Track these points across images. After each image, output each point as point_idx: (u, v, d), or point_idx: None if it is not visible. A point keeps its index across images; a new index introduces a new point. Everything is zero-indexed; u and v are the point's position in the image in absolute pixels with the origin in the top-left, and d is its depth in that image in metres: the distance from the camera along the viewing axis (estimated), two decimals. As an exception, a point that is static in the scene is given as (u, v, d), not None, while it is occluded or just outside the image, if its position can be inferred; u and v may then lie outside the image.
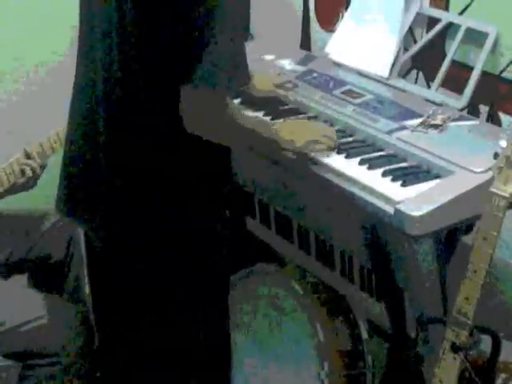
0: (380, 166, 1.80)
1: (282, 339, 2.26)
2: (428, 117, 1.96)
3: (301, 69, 2.33)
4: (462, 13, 2.11)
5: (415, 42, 2.21)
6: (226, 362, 1.89)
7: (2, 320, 1.94)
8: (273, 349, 2.28)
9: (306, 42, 2.64)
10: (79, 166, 1.76)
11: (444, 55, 2.10)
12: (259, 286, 2.35)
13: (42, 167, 2.13)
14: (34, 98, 2.65)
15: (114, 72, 1.61)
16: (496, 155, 1.59)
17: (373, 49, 2.24)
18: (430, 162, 1.80)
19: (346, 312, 2.25)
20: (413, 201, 1.65)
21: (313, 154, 1.84)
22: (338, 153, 1.88)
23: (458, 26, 2.07)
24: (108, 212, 1.71)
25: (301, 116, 2.09)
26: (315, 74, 2.28)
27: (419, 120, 1.96)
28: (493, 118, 2.06)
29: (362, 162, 1.83)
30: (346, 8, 2.39)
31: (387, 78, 2.19)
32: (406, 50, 2.21)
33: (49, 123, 2.15)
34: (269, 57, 2.43)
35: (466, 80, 2.01)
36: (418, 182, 1.74)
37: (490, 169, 1.64)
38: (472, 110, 2.07)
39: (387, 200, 1.69)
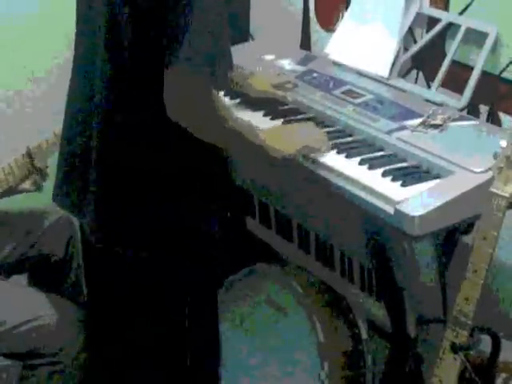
0: (380, 166, 1.80)
1: (282, 339, 2.26)
2: (428, 117, 1.96)
3: (301, 69, 2.33)
4: (462, 13, 2.11)
5: (415, 42, 2.21)
6: (214, 360, 1.90)
7: (2, 320, 1.94)
8: (273, 349, 2.28)
9: (305, 42, 2.64)
10: (74, 161, 1.77)
11: (444, 55, 2.10)
12: (259, 285, 2.35)
13: (43, 168, 2.14)
14: (34, 98, 2.65)
15: (105, 69, 1.62)
16: (496, 155, 1.59)
17: (373, 49, 2.24)
18: (430, 162, 1.80)
19: (346, 312, 2.25)
20: (413, 201, 1.65)
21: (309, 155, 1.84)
22: (338, 153, 1.88)
23: (457, 26, 2.07)
24: (100, 210, 1.72)
25: (300, 116, 2.09)
26: (315, 74, 2.28)
27: (419, 120, 1.96)
28: (493, 118, 2.06)
29: (362, 162, 1.83)
30: (346, 8, 2.39)
31: (387, 78, 2.19)
32: (406, 50, 2.21)
33: (49, 124, 2.15)
34: (269, 57, 2.43)
35: (466, 80, 2.01)
36: (418, 182, 1.73)
37: (490, 169, 1.64)
38: (472, 110, 2.08)
39: (387, 200, 1.69)
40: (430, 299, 1.88)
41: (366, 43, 2.27)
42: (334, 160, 1.85)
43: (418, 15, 2.18)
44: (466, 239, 1.83)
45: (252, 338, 2.33)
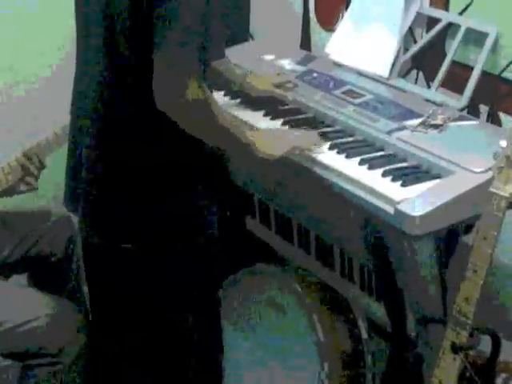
0: (380, 166, 1.80)
1: (282, 339, 2.26)
2: (428, 117, 1.96)
3: (301, 69, 2.33)
4: (462, 13, 2.11)
5: (415, 42, 2.21)
6: (217, 359, 1.90)
7: (2, 320, 1.94)
8: (273, 349, 2.28)
9: (305, 42, 2.64)
10: (76, 161, 1.77)
11: (444, 55, 2.10)
12: (259, 285, 2.35)
13: (41, 167, 2.14)
14: (32, 97, 2.65)
15: (105, 62, 1.63)
16: (496, 155, 1.59)
17: (373, 49, 2.24)
18: (430, 161, 1.80)
19: (346, 312, 2.25)
20: (413, 201, 1.65)
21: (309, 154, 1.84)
22: (338, 153, 1.88)
23: (457, 26, 2.07)
24: (97, 207, 1.73)
25: (300, 116, 2.09)
26: (315, 74, 2.28)
27: (419, 120, 1.96)
28: (493, 118, 2.06)
29: (361, 162, 1.83)
30: (346, 8, 2.39)
31: (387, 78, 2.19)
32: (406, 50, 2.21)
33: (47, 123, 2.15)
34: (269, 57, 2.43)
35: (466, 80, 2.01)
36: (418, 182, 1.73)
37: (490, 169, 1.64)
38: (472, 110, 2.07)
39: (387, 200, 1.69)
40: (430, 299, 1.88)
41: (365, 43, 2.27)
42: (333, 160, 1.85)
43: (418, 15, 2.18)
44: (466, 239, 1.83)
45: (252, 338, 2.33)
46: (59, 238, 2.26)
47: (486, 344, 1.73)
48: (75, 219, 2.05)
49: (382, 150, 1.90)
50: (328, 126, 2.02)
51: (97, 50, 1.65)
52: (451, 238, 1.82)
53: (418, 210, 1.61)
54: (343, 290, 2.23)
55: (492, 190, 1.57)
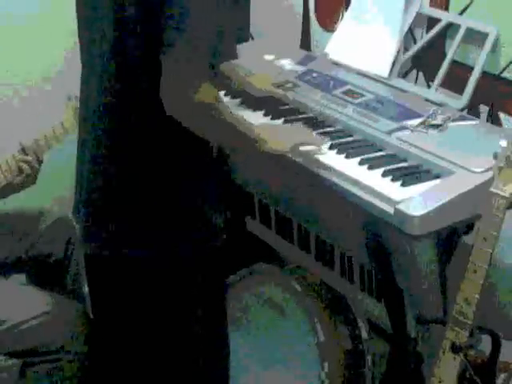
0: (380, 166, 1.80)
1: (282, 339, 2.26)
2: (428, 117, 1.96)
3: (301, 69, 2.33)
4: (462, 13, 2.11)
5: (415, 42, 2.21)
6: (224, 360, 1.90)
7: (2, 318, 1.94)
8: (273, 349, 2.28)
9: (305, 42, 2.64)
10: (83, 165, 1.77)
11: (444, 55, 2.10)
12: (259, 285, 2.35)
13: (39, 163, 2.13)
14: (30, 94, 2.65)
15: (111, 65, 1.62)
16: (496, 155, 1.59)
17: (373, 49, 2.24)
18: (430, 162, 1.80)
19: (346, 312, 2.25)
20: (413, 201, 1.65)
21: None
22: (338, 153, 1.88)
23: (457, 26, 2.07)
24: (98, 211, 1.73)
25: (300, 116, 2.09)
26: (315, 74, 2.28)
27: (419, 120, 1.96)
28: (493, 118, 2.06)
29: (361, 162, 1.83)
30: (346, 8, 2.39)
31: (387, 78, 2.19)
32: (406, 50, 2.21)
33: (45, 119, 2.14)
34: (269, 57, 2.43)
35: (466, 80, 2.01)
36: (418, 182, 1.73)
37: (490, 169, 1.64)
38: (472, 110, 2.07)
39: (387, 200, 1.69)
40: (430, 299, 1.88)
41: (365, 43, 2.27)
42: (333, 160, 1.85)
43: (418, 15, 2.18)
44: (466, 239, 1.83)
45: (252, 338, 2.33)
46: (58, 238, 2.25)
47: (486, 344, 1.73)
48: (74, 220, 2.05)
49: (382, 150, 1.90)
50: (328, 126, 2.02)
51: (104, 53, 1.63)
52: (451, 237, 1.82)
53: (417, 210, 1.61)
54: (343, 290, 2.23)
55: (492, 190, 1.57)
